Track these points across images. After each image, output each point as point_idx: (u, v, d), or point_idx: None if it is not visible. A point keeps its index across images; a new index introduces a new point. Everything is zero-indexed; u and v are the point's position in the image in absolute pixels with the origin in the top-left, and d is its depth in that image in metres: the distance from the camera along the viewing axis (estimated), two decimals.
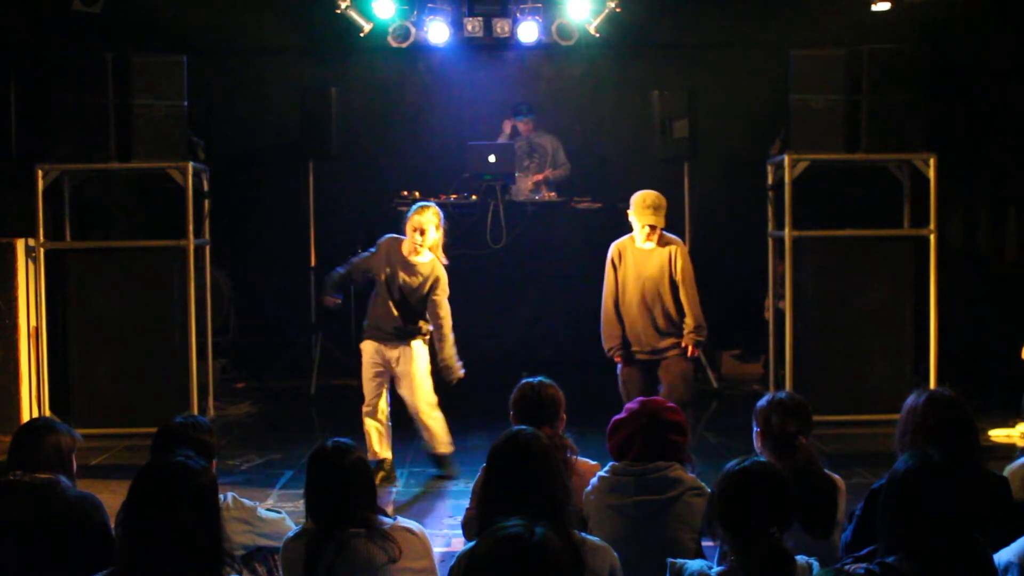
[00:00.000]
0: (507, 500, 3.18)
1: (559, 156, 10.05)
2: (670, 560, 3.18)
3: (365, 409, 6.55)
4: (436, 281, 6.48)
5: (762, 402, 3.99)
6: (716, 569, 3.06)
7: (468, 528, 4.34)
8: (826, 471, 3.88)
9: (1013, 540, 3.17)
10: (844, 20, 9.29)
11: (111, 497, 3.96)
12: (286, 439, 7.76)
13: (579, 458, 4.37)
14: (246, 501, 4.05)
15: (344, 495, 3.46)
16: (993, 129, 9.37)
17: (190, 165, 8.06)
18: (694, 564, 3.13)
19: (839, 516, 3.81)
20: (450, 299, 6.51)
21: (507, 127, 10.06)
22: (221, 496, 3.63)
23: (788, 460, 3.78)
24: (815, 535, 3.69)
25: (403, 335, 6.52)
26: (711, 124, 9.88)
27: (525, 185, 9.79)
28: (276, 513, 4.15)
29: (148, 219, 9.60)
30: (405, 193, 9.12)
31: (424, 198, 9.00)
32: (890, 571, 2.83)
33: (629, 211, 6.50)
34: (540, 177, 9.71)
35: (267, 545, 4.00)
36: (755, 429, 3.98)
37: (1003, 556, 3.13)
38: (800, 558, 3.07)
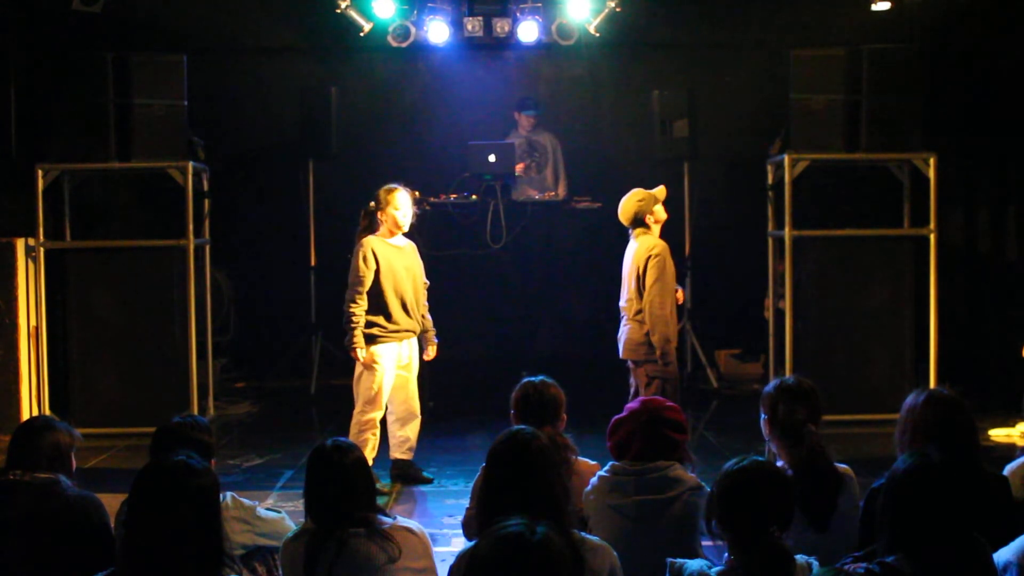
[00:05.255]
0: (507, 500, 3.18)
1: (558, 156, 10.03)
2: (670, 560, 3.18)
3: (378, 417, 6.36)
4: (419, 260, 6.53)
5: (769, 387, 3.96)
6: (716, 569, 3.06)
7: (468, 528, 4.34)
8: (835, 464, 3.86)
9: (1013, 540, 3.18)
10: (844, 20, 9.28)
11: (111, 497, 3.96)
12: (286, 439, 7.75)
13: (579, 458, 4.38)
14: (246, 501, 4.06)
15: (344, 495, 3.46)
16: (993, 129, 9.37)
17: (190, 165, 8.07)
18: (694, 564, 3.13)
19: (850, 508, 3.78)
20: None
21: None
22: (220, 496, 3.62)
23: (797, 449, 3.75)
24: (816, 528, 3.68)
25: (416, 326, 6.45)
26: (711, 124, 9.87)
27: (525, 185, 9.78)
28: (276, 513, 4.15)
29: (148, 219, 9.59)
30: None
31: (424, 198, 9.02)
32: (890, 571, 2.83)
33: (648, 206, 6.30)
34: (561, 191, 9.69)
35: (267, 545, 4.00)
36: (763, 416, 3.95)
37: (1003, 556, 3.13)
38: (800, 557, 3.08)
